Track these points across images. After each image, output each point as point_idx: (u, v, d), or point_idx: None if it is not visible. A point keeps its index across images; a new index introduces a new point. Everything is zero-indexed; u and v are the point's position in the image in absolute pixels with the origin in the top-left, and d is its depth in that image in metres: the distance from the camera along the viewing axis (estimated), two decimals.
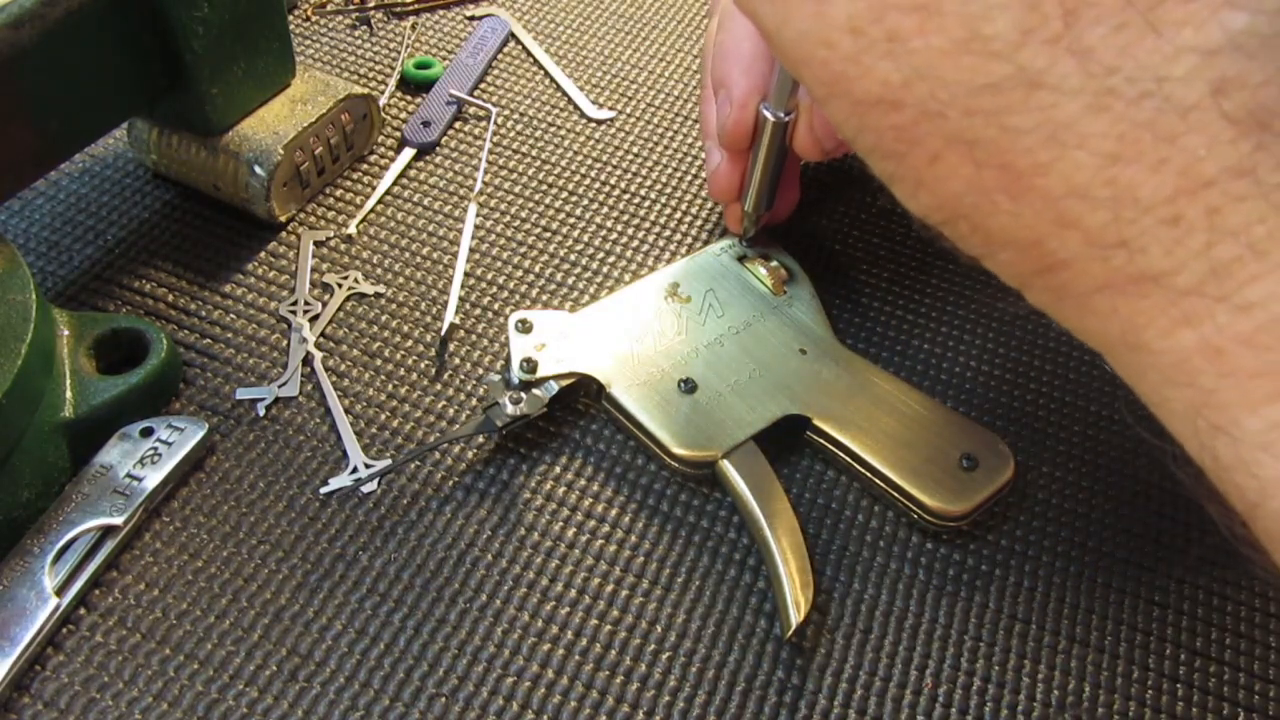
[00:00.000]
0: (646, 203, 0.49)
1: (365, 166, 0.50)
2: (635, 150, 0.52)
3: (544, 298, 0.45)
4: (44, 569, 0.34)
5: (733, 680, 0.34)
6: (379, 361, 0.42)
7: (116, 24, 0.38)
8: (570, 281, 0.46)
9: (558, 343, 0.40)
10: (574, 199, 0.49)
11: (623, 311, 0.42)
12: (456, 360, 0.42)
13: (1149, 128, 0.21)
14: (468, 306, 0.44)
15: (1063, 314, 0.25)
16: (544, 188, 0.50)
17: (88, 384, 0.37)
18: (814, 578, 0.35)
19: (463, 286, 0.45)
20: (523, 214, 0.48)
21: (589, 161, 0.51)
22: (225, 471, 0.38)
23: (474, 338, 0.43)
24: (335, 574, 0.36)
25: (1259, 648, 0.37)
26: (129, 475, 0.36)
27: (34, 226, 0.46)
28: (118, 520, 0.35)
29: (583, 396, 0.41)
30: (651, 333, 0.41)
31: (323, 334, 0.43)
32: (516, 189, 0.50)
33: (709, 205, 0.50)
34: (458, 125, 0.53)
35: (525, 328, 0.40)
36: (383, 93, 0.54)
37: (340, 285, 0.44)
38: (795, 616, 0.34)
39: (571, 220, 0.48)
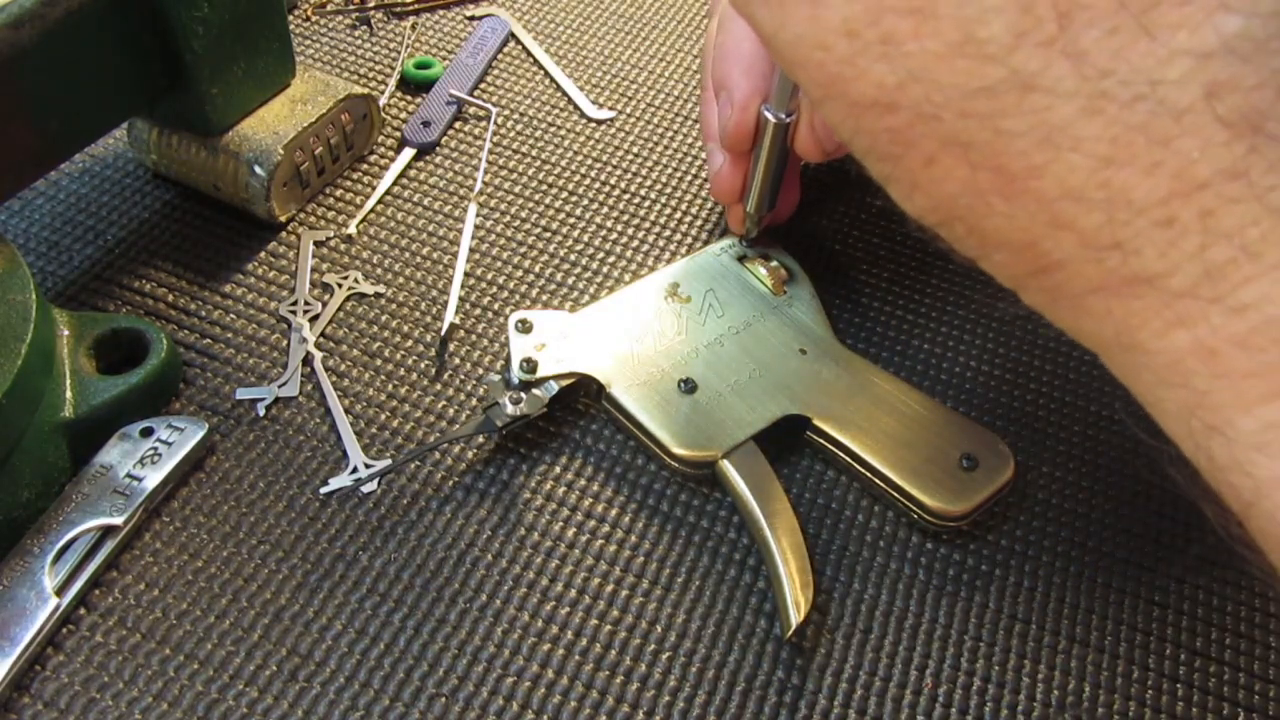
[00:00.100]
0: (646, 203, 0.49)
1: (365, 166, 0.50)
2: (635, 150, 0.52)
3: (544, 298, 0.45)
4: (44, 569, 0.34)
5: (733, 680, 0.34)
6: (379, 361, 0.42)
7: (116, 24, 0.38)
8: (570, 281, 0.46)
9: (558, 343, 0.40)
10: (574, 199, 0.49)
11: (623, 311, 0.42)
12: (456, 360, 0.42)
13: (1143, 130, 0.21)
14: (468, 306, 0.44)
15: (1058, 315, 0.25)
16: (544, 188, 0.50)
17: (88, 384, 0.38)
18: (814, 578, 0.35)
19: (463, 286, 0.45)
20: (523, 214, 0.48)
21: (589, 161, 0.51)
22: (225, 471, 0.38)
23: (474, 338, 0.43)
24: (335, 574, 0.36)
25: (1259, 648, 0.37)
26: (129, 475, 0.36)
27: (34, 226, 0.46)
28: (118, 520, 0.35)
29: (583, 396, 0.41)
30: (651, 333, 0.41)
31: (323, 334, 0.43)
32: (516, 189, 0.50)
33: (709, 205, 0.50)
34: (458, 125, 0.53)
35: (525, 328, 0.40)
36: (383, 93, 0.54)
37: (340, 285, 0.44)
38: (795, 616, 0.34)
39: (571, 220, 0.48)
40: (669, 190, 0.50)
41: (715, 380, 0.40)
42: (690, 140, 0.53)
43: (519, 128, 0.53)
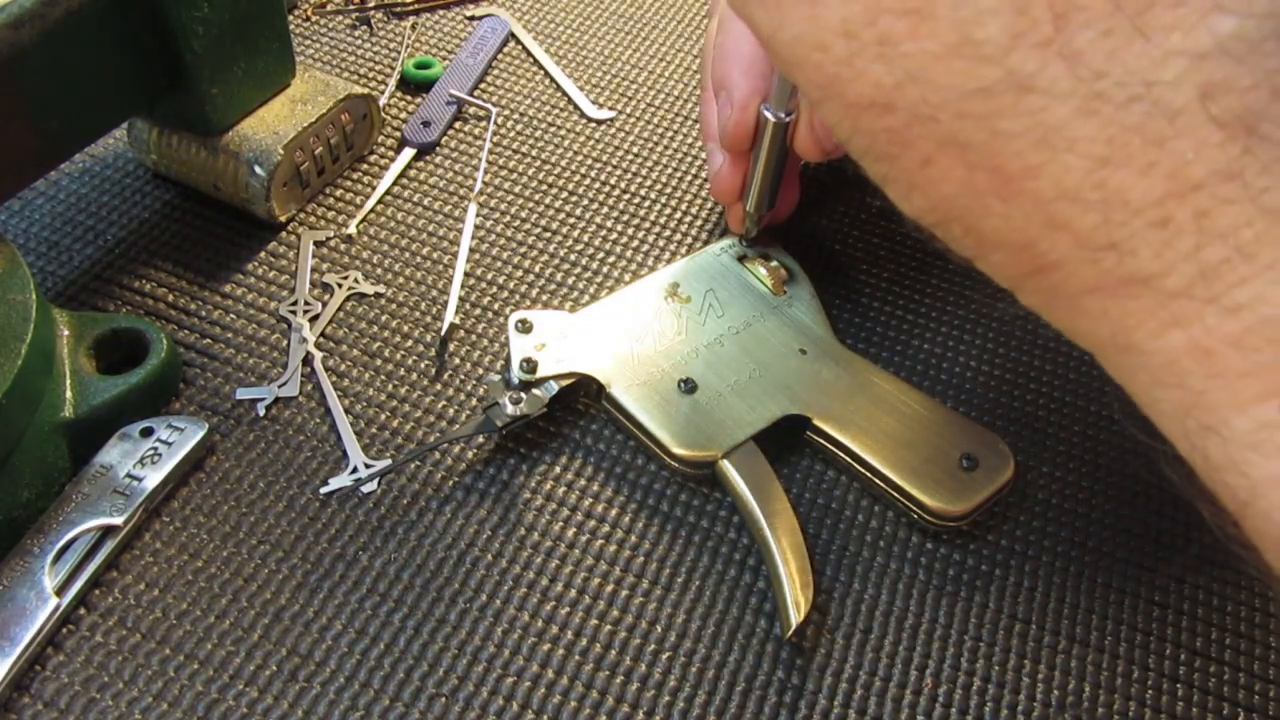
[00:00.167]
0: (646, 203, 0.49)
1: (365, 166, 0.50)
2: (635, 150, 0.52)
3: (544, 298, 0.45)
4: (44, 569, 0.34)
5: (733, 680, 0.34)
6: (379, 361, 0.42)
7: (116, 24, 0.38)
8: (570, 281, 0.46)
9: (558, 343, 0.40)
10: (574, 199, 0.49)
11: (623, 311, 0.42)
12: (456, 360, 0.42)
13: (1138, 131, 0.21)
14: (468, 306, 0.44)
15: (1054, 315, 0.25)
16: (544, 188, 0.50)
17: (88, 384, 0.38)
18: (814, 578, 0.35)
19: (463, 286, 0.45)
20: (523, 214, 0.48)
21: (589, 161, 0.51)
22: (225, 471, 0.38)
23: (474, 338, 0.43)
24: (335, 574, 0.36)
25: (1259, 648, 0.36)
26: (129, 475, 0.36)
27: (34, 226, 0.46)
28: (118, 520, 0.35)
29: (583, 396, 0.41)
30: (651, 333, 0.41)
31: (323, 334, 0.43)
32: (516, 189, 0.50)
33: (709, 205, 0.50)
34: (458, 125, 0.53)
35: (525, 328, 0.40)
36: (383, 93, 0.54)
37: (340, 285, 0.44)
38: (795, 616, 0.34)
39: (571, 220, 0.48)
40: (669, 190, 0.50)
41: (715, 380, 0.40)
42: (690, 140, 0.53)
43: (519, 128, 0.53)
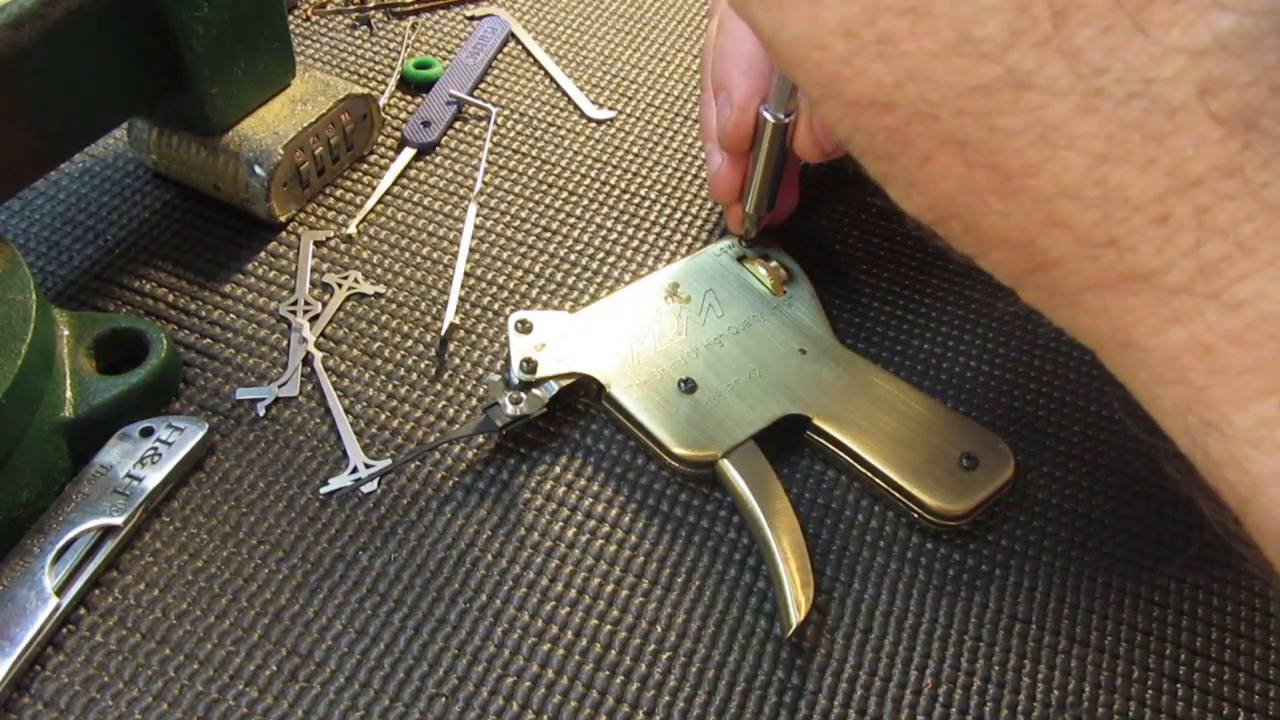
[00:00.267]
0: (646, 203, 0.49)
1: (365, 166, 0.50)
2: (635, 150, 0.52)
3: (544, 298, 0.45)
4: (44, 569, 0.34)
5: (733, 680, 0.34)
6: (379, 361, 0.42)
7: (116, 24, 0.38)
8: (570, 281, 0.46)
9: (558, 343, 0.40)
10: (574, 199, 0.49)
11: (623, 312, 0.42)
12: (456, 360, 0.42)
13: (1137, 128, 0.21)
14: (468, 306, 0.44)
15: (1055, 312, 0.25)
16: (544, 188, 0.50)
17: (88, 384, 0.38)
18: (814, 578, 0.35)
19: (463, 286, 0.45)
20: (523, 214, 0.48)
21: (589, 161, 0.51)
22: (225, 471, 0.38)
23: (474, 338, 0.43)
24: (335, 574, 0.36)
25: (1259, 648, 0.36)
26: (129, 475, 0.36)
27: (34, 226, 0.46)
28: (118, 520, 0.35)
29: (583, 396, 0.41)
30: (651, 333, 0.41)
31: (323, 334, 0.43)
32: (516, 189, 0.50)
33: (709, 205, 0.50)
34: (458, 125, 0.53)
35: (525, 328, 0.40)
36: (383, 93, 0.54)
37: (340, 285, 0.44)
38: (795, 616, 0.34)
39: (571, 220, 0.48)
40: (669, 190, 0.50)
41: (715, 380, 0.40)
42: (690, 140, 0.53)
43: (519, 128, 0.53)
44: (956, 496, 0.37)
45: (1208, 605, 0.37)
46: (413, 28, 0.58)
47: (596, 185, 0.50)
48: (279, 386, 0.41)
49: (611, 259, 0.47)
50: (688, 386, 0.39)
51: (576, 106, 0.54)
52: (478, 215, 0.48)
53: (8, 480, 0.34)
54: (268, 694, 0.33)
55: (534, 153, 0.51)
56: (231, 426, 0.39)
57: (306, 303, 0.44)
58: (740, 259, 0.44)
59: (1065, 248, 0.23)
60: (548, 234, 0.48)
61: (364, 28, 0.58)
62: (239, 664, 0.33)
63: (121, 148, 0.49)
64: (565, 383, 0.39)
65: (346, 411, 0.40)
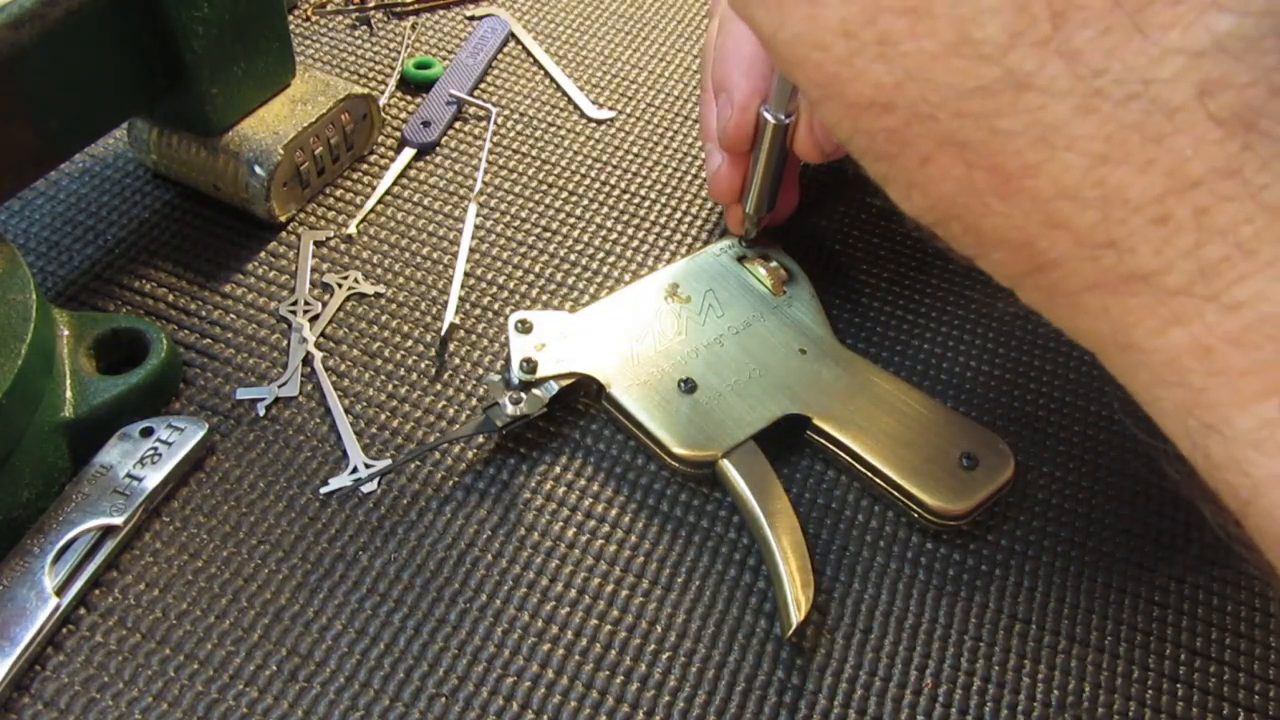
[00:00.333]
0: (646, 203, 0.49)
1: (365, 166, 0.50)
2: (635, 150, 0.52)
3: (544, 298, 0.45)
4: (44, 569, 0.34)
5: (733, 680, 0.34)
6: (379, 361, 0.42)
7: (116, 24, 0.38)
8: (570, 281, 0.46)
9: (558, 343, 0.40)
10: (574, 199, 0.49)
11: (623, 312, 0.42)
12: (456, 360, 0.42)
13: (1136, 129, 0.21)
14: (468, 306, 0.44)
15: (1054, 313, 0.25)
16: (544, 188, 0.50)
17: (88, 384, 0.38)
18: (814, 578, 0.35)
19: (463, 286, 0.45)
20: (523, 214, 0.48)
21: (589, 161, 0.51)
22: (225, 471, 0.38)
23: (474, 338, 0.43)
24: (335, 574, 0.36)
25: (1259, 648, 0.36)
26: (129, 475, 0.36)
27: (34, 226, 0.46)
28: (118, 520, 0.35)
29: (583, 396, 0.41)
30: (651, 333, 0.41)
31: (323, 334, 0.43)
32: (516, 189, 0.50)
33: (709, 205, 0.50)
34: (458, 125, 0.53)
35: (525, 328, 0.40)
36: (383, 93, 0.54)
37: (340, 285, 0.44)
38: (795, 616, 0.34)
39: (571, 220, 0.48)
40: (669, 190, 0.50)
41: (715, 380, 0.40)
42: (690, 140, 0.53)
43: (519, 128, 0.53)
44: (956, 496, 0.37)
45: (1208, 605, 0.37)
46: (413, 28, 0.58)
47: (596, 185, 0.50)
48: (279, 386, 0.41)
49: (611, 259, 0.47)
50: (688, 386, 0.39)
51: (576, 106, 0.54)
52: (478, 215, 0.48)
53: (8, 480, 0.34)
54: (268, 694, 0.33)
55: (534, 153, 0.51)
56: (231, 426, 0.39)
57: (306, 303, 0.44)
58: (740, 259, 0.44)
59: (1065, 249, 0.23)
60: (548, 234, 0.48)
61: (364, 28, 0.58)
62: (239, 664, 0.33)
63: (121, 148, 0.49)
64: (565, 383, 0.39)
65: (346, 411, 0.40)
